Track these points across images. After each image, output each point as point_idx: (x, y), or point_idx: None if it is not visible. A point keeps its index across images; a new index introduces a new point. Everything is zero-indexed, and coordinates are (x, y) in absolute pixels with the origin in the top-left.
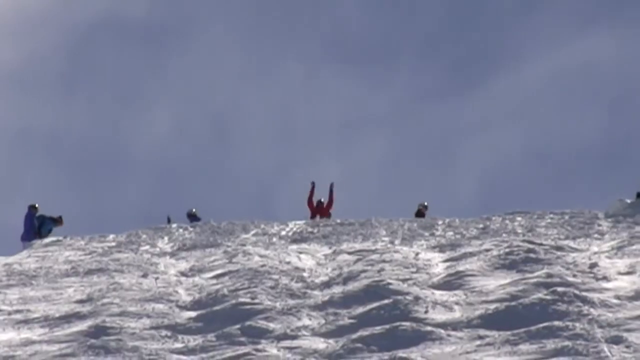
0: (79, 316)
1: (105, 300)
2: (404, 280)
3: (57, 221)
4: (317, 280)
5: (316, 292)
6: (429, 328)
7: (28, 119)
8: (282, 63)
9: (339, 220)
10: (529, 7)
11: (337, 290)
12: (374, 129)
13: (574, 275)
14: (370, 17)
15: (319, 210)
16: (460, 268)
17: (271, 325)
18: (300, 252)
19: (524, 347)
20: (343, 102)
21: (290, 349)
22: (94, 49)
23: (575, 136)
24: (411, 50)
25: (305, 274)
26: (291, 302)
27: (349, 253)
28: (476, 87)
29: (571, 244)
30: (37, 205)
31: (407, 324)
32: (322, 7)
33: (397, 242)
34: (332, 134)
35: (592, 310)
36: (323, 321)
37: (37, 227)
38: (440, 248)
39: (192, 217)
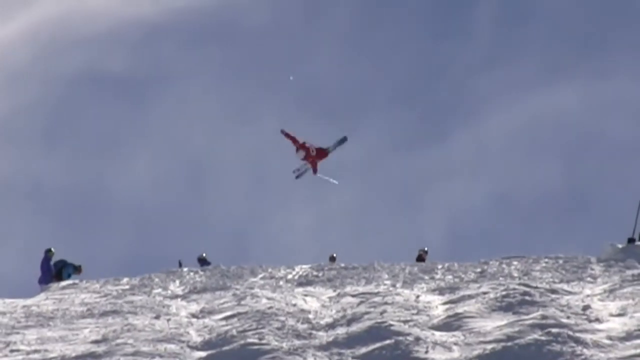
0: (94, 356)
1: (119, 341)
2: (405, 322)
3: (77, 269)
4: (322, 322)
5: (321, 333)
6: None
7: (10, 170)
8: (256, 115)
9: (343, 265)
10: (492, 61)
11: (341, 331)
12: (345, 177)
13: (568, 317)
14: (340, 71)
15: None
16: (459, 310)
17: None
18: (306, 295)
19: None
20: None
21: None
22: (75, 101)
23: (536, 183)
24: (379, 104)
25: (310, 316)
26: (297, 342)
27: (353, 296)
28: (443, 138)
29: (565, 287)
30: (52, 250)
31: None
32: (295, 62)
33: (398, 285)
34: (305, 182)
35: (585, 350)
36: None
37: (58, 269)
38: (440, 291)
39: (202, 262)
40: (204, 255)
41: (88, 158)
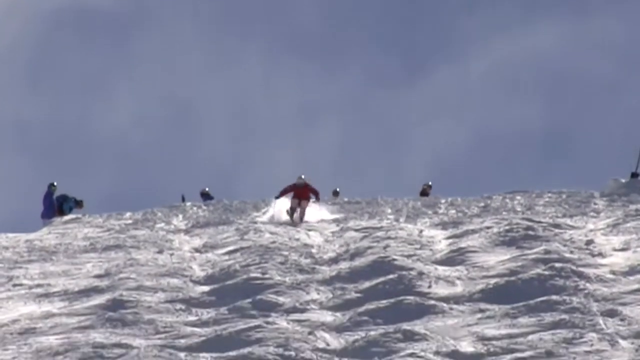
0: (97, 290)
1: (122, 275)
2: (408, 256)
3: (79, 204)
4: (325, 256)
5: (324, 268)
6: (432, 302)
7: None
8: (241, 55)
9: (346, 199)
10: (474, 2)
11: (344, 265)
12: (329, 116)
13: (571, 252)
14: (323, 12)
15: (300, 191)
16: (462, 245)
17: (281, 299)
18: (309, 230)
19: (523, 320)
20: (299, 91)
21: (299, 321)
22: (59, 38)
23: (517, 121)
24: (362, 43)
25: (313, 251)
26: (300, 277)
27: (356, 230)
28: (425, 77)
29: (568, 221)
30: (55, 184)
31: (411, 298)
32: (279, 5)
33: (401, 220)
34: (289, 121)
35: (588, 285)
36: (331, 295)
37: (59, 204)
38: (443, 225)
39: (205, 196)
40: (207, 189)
41: (72, 95)
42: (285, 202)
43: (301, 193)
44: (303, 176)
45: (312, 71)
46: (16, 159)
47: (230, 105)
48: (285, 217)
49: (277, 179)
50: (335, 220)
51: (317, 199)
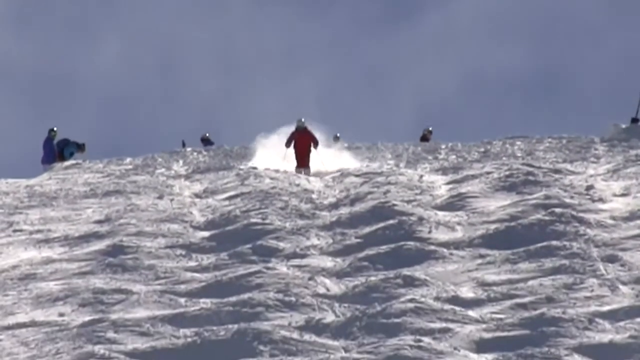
0: (97, 236)
1: (122, 221)
2: (408, 202)
3: (80, 147)
4: (325, 202)
5: (324, 213)
6: (432, 247)
7: None
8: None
9: (346, 145)
10: None
11: (344, 211)
12: (315, 61)
13: (571, 197)
14: None
15: (301, 136)
16: (462, 190)
17: (281, 245)
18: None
19: (523, 265)
20: (284, 33)
21: (299, 267)
22: None
23: (505, 64)
24: None
25: (314, 196)
26: (300, 222)
27: (356, 175)
28: (411, 21)
29: (568, 167)
30: (55, 129)
31: (412, 243)
32: None
33: (402, 165)
34: (274, 63)
35: (588, 230)
36: (331, 240)
37: (60, 149)
38: (443, 171)
39: (206, 142)
40: (207, 135)
41: (58, 40)
42: (290, 154)
43: (302, 139)
44: (303, 119)
45: (298, 16)
46: (2, 103)
47: (216, 49)
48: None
49: (263, 123)
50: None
51: (316, 146)
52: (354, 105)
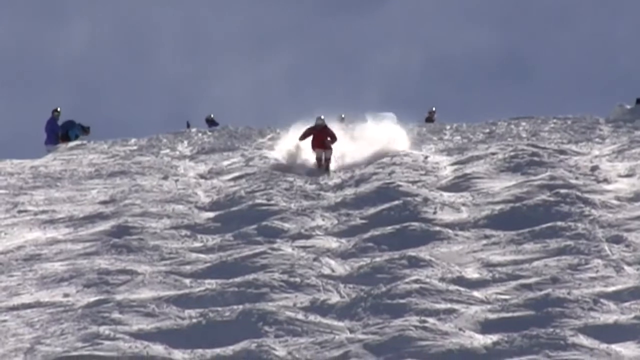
0: (102, 216)
1: (127, 202)
2: (413, 182)
3: (85, 130)
4: (330, 183)
5: (329, 194)
6: (437, 228)
7: None
8: None
9: (351, 125)
10: None
11: (349, 192)
12: (282, 40)
13: (576, 178)
14: None
15: (318, 133)
16: (467, 171)
17: (286, 225)
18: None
19: (528, 246)
20: (253, 15)
21: (304, 247)
22: None
23: (472, 47)
24: None
25: (319, 177)
26: (305, 203)
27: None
28: (378, 2)
29: (573, 147)
30: (59, 110)
31: (417, 224)
32: None
33: (407, 145)
34: (243, 45)
35: (593, 211)
36: (336, 221)
37: (65, 131)
38: (448, 152)
39: (211, 122)
40: (212, 116)
41: (27, 21)
42: (306, 145)
43: (320, 135)
44: (322, 117)
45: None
46: None
47: (185, 31)
48: (309, 162)
49: (232, 104)
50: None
51: (333, 142)
52: (321, 87)
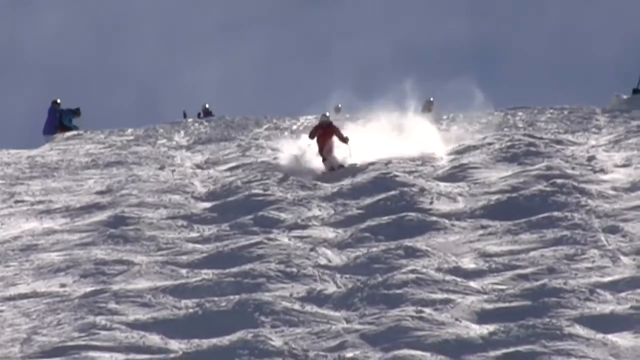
0: (98, 207)
1: (124, 192)
2: (410, 173)
3: (76, 113)
4: (328, 173)
5: (326, 184)
6: (433, 218)
7: None
8: None
9: (348, 115)
10: None
11: (345, 182)
12: (253, 29)
13: (573, 168)
14: None
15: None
16: (464, 161)
17: (282, 216)
18: (311, 145)
19: (524, 236)
20: (224, 5)
21: (300, 238)
22: None
23: (440, 36)
24: None
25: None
26: (302, 193)
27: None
28: None
29: (570, 137)
30: (59, 101)
31: (413, 214)
32: None
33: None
34: (214, 36)
35: (590, 201)
36: (332, 211)
37: (59, 120)
38: (445, 142)
39: (206, 113)
40: (207, 106)
41: None
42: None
43: (326, 133)
44: (327, 113)
45: None
46: None
47: (153, 19)
48: (315, 162)
49: (204, 93)
50: None
51: (345, 142)
52: (292, 76)
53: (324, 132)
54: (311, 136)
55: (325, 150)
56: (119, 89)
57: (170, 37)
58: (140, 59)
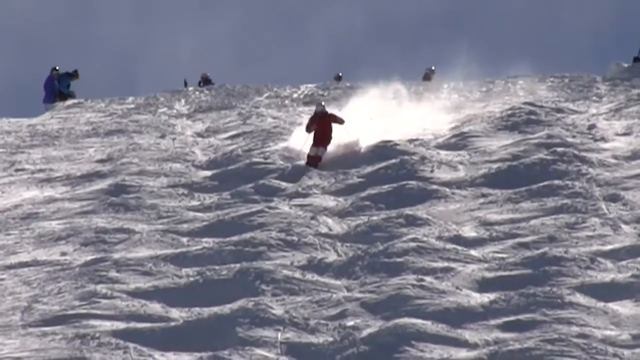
0: (99, 175)
1: (124, 160)
2: (410, 141)
3: (73, 75)
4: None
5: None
6: (434, 187)
7: None
8: None
9: (348, 84)
10: None
11: (346, 151)
12: (227, 3)
13: (573, 136)
14: None
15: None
16: (465, 129)
17: (283, 184)
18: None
19: (525, 205)
20: None
21: (301, 206)
22: None
23: (415, 7)
24: None
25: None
26: (302, 161)
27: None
28: None
29: (571, 106)
30: (57, 68)
31: (414, 182)
32: None
33: (404, 104)
34: (188, 6)
35: (590, 169)
36: (333, 180)
37: (59, 88)
38: (446, 110)
39: (206, 81)
40: (207, 74)
41: None
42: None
43: (322, 123)
44: (323, 103)
45: None
46: None
47: None
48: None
49: (179, 64)
50: (337, 105)
51: (342, 123)
52: (267, 47)
53: (321, 122)
54: (308, 130)
55: (324, 141)
56: (95, 57)
57: (146, 6)
58: (113, 27)
